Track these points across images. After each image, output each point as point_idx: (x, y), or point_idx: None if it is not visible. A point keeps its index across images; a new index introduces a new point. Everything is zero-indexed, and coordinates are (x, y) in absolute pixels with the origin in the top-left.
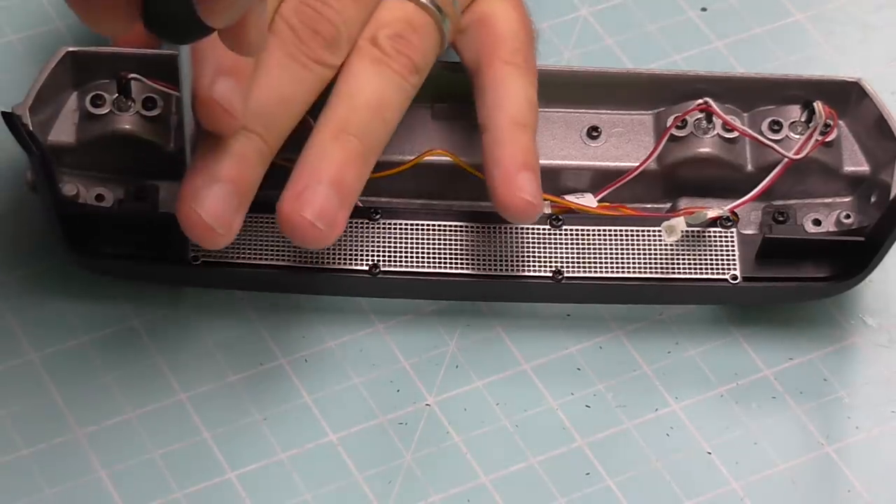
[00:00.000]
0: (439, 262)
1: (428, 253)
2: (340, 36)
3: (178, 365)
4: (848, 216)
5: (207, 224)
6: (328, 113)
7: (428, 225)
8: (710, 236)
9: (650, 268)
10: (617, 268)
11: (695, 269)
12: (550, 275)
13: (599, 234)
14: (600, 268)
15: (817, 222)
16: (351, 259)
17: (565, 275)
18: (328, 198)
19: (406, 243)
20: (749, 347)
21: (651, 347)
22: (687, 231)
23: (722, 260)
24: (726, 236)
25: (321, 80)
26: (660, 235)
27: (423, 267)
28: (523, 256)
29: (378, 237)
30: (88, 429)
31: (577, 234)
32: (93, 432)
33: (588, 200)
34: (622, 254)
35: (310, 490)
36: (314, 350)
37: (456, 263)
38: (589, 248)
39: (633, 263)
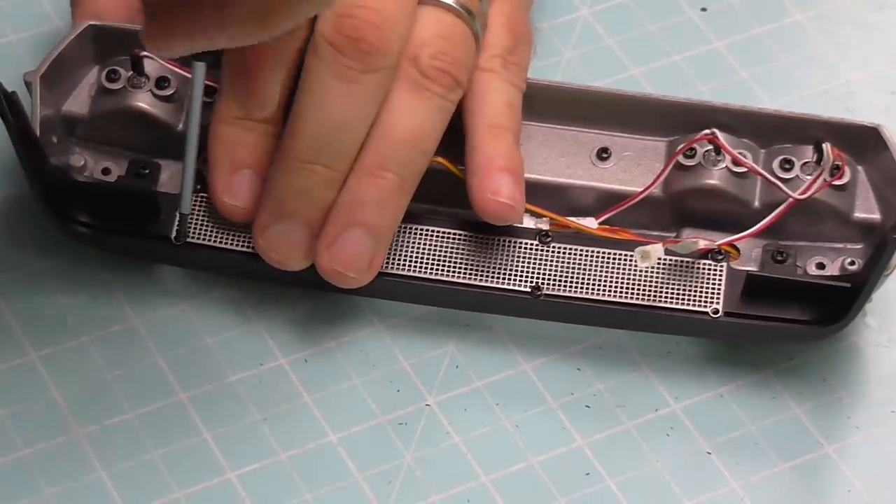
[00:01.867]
0: (420, 268)
1: (411, 257)
2: (386, 36)
3: (179, 364)
4: (853, 263)
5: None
6: (365, 148)
7: (414, 229)
8: (699, 268)
9: (632, 293)
10: (597, 290)
11: (677, 299)
12: (529, 290)
13: (585, 255)
14: (580, 288)
15: (821, 266)
16: None
17: (544, 292)
18: (362, 243)
19: (392, 246)
20: (749, 347)
21: (651, 347)
22: (673, 260)
23: (706, 293)
24: (715, 269)
25: (377, 91)
26: None
27: (405, 271)
28: (505, 270)
29: None
30: (88, 429)
31: (563, 252)
32: (93, 432)
33: (589, 223)
34: (605, 276)
35: (310, 490)
36: (314, 350)
37: (437, 270)
38: (572, 268)
39: (615, 287)
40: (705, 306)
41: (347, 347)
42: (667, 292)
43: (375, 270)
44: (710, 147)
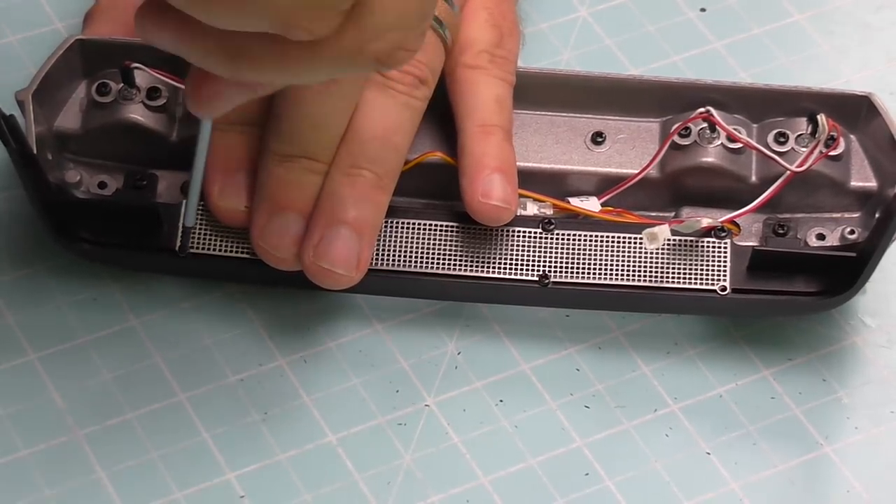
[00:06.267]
0: (427, 262)
1: (416, 252)
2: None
3: (178, 365)
4: (853, 232)
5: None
6: (339, 151)
7: (418, 224)
8: (703, 246)
9: (638, 276)
10: (605, 274)
11: (684, 278)
12: (537, 279)
13: (590, 240)
14: (588, 274)
15: (821, 237)
16: None
17: (552, 279)
18: (347, 241)
19: (394, 241)
20: (748, 348)
21: (650, 348)
22: (676, 240)
23: (712, 271)
24: (719, 247)
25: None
26: None
27: (411, 266)
28: (512, 260)
29: None
30: (88, 429)
31: (568, 239)
32: (92, 432)
33: (592, 204)
34: (611, 260)
35: (309, 491)
36: (314, 350)
37: (444, 264)
38: (578, 254)
39: (622, 270)
40: (713, 284)
41: (347, 347)
42: (673, 272)
43: (364, 268)
44: (705, 125)
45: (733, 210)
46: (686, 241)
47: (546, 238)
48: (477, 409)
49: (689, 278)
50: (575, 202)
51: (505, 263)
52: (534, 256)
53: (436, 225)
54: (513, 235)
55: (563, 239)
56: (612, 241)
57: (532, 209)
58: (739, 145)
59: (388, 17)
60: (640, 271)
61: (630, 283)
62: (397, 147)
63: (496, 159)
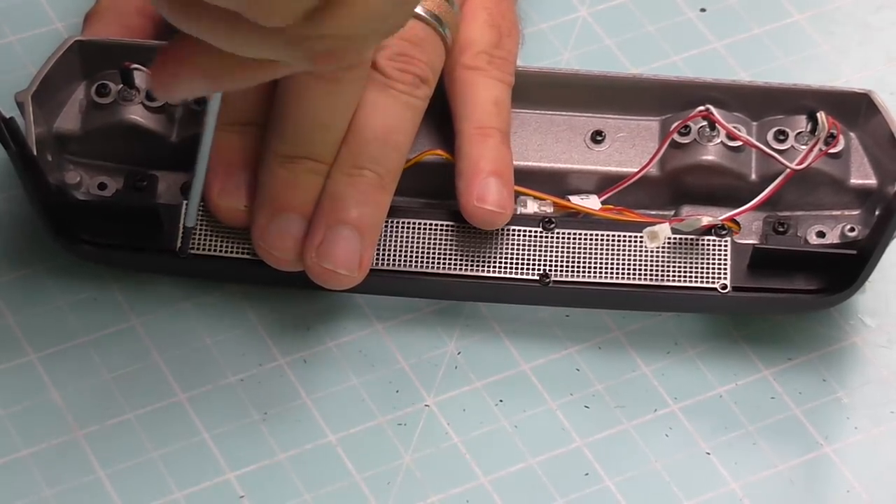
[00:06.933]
0: (427, 262)
1: (417, 252)
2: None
3: (178, 365)
4: (853, 229)
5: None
6: (341, 151)
7: (418, 223)
8: (703, 244)
9: (639, 274)
10: (605, 273)
11: (685, 277)
12: (537, 278)
13: (591, 239)
14: (588, 273)
15: (821, 234)
16: None
17: (553, 279)
18: (349, 241)
19: (394, 241)
20: (748, 348)
21: (650, 348)
22: (677, 238)
23: (713, 269)
24: (720, 245)
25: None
26: None
27: (411, 266)
28: (512, 259)
29: None
30: (88, 429)
31: (568, 238)
32: (92, 432)
33: (592, 202)
34: (612, 259)
35: (309, 491)
36: (313, 350)
37: (444, 263)
38: (579, 253)
39: (623, 269)
40: (713, 282)
41: (347, 347)
42: (674, 271)
43: (366, 268)
44: (705, 123)
45: (733, 208)
46: (686, 239)
47: (546, 237)
48: (477, 409)
49: (690, 276)
50: (575, 200)
51: (505, 262)
52: (534, 255)
53: (436, 224)
54: (513, 234)
55: (563, 238)
56: (613, 240)
57: (532, 207)
58: (739, 143)
59: (351, 24)
60: (640, 270)
61: (631, 281)
62: (398, 146)
63: (492, 162)
